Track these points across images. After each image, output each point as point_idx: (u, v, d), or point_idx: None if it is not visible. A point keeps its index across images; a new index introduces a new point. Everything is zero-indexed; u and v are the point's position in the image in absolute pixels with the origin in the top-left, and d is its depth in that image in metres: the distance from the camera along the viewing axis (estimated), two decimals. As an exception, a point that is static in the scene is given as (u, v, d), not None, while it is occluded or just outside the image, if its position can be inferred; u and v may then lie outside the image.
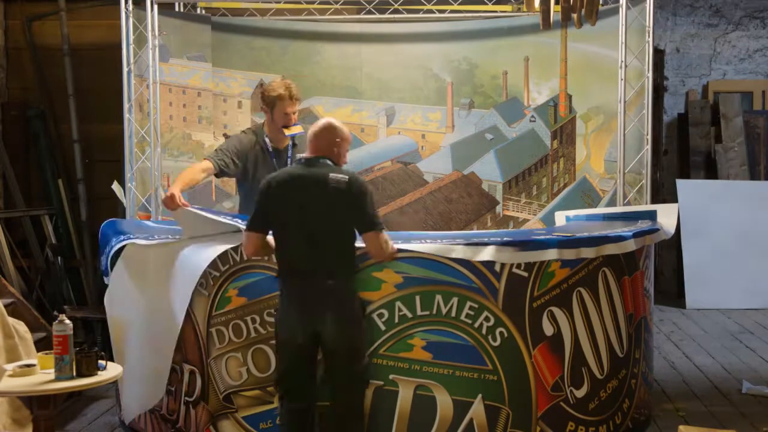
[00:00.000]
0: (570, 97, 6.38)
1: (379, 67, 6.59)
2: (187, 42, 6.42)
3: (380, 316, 4.10)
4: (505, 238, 4.18)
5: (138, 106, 6.14)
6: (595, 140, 6.32)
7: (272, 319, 4.17)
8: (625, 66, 5.59)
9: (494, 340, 4.13)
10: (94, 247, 7.28)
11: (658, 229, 4.79)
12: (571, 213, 5.55)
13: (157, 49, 5.99)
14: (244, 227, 3.87)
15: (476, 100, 6.53)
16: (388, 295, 4.07)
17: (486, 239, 4.16)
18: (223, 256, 4.25)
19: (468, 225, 6.49)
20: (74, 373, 3.57)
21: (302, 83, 6.57)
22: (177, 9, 6.54)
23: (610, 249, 4.30)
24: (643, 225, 4.82)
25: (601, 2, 5.46)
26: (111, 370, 3.71)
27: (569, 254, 4.16)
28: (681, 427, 4.11)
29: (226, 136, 6.50)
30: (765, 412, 5.10)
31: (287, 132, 4.76)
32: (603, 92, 6.11)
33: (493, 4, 6.52)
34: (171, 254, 4.34)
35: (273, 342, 4.17)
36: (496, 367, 4.14)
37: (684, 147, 9.22)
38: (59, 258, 7.07)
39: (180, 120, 6.42)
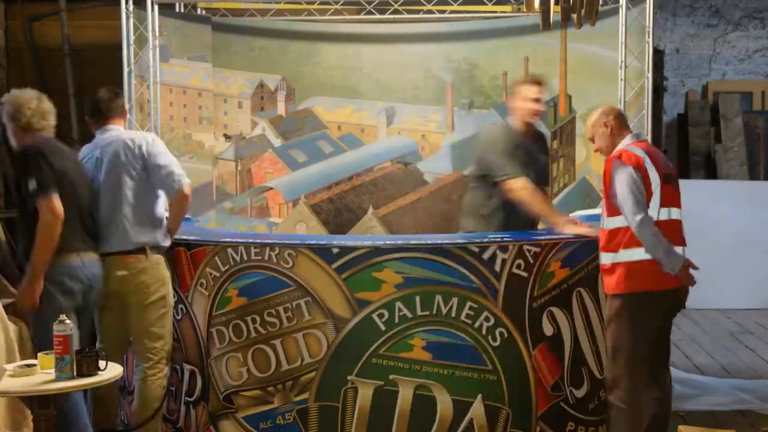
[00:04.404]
0: (570, 97, 6.39)
1: (379, 67, 6.59)
2: (187, 42, 6.43)
3: (380, 316, 4.10)
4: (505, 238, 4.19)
5: (138, 107, 6.14)
6: (595, 140, 6.32)
7: (273, 320, 4.19)
8: (625, 66, 5.60)
9: (494, 340, 4.14)
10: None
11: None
12: (572, 214, 5.55)
13: (157, 49, 5.99)
14: None
15: (476, 100, 6.54)
16: (388, 295, 4.07)
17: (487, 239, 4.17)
18: (223, 257, 4.26)
19: (468, 225, 6.49)
20: (74, 373, 3.57)
21: (302, 83, 6.59)
22: (177, 9, 6.54)
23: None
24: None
25: (600, 2, 5.46)
26: (111, 370, 3.71)
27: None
28: (681, 427, 4.11)
29: (226, 136, 6.50)
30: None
31: None
32: (603, 92, 6.11)
33: (493, 4, 6.52)
34: None
35: (273, 342, 4.18)
36: (495, 367, 4.14)
37: (684, 147, 9.22)
38: (59, 258, 7.05)
39: (180, 120, 6.43)
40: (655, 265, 3.80)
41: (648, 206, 3.81)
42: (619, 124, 4.02)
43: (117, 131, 4.28)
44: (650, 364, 3.94)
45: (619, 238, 3.85)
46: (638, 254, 3.81)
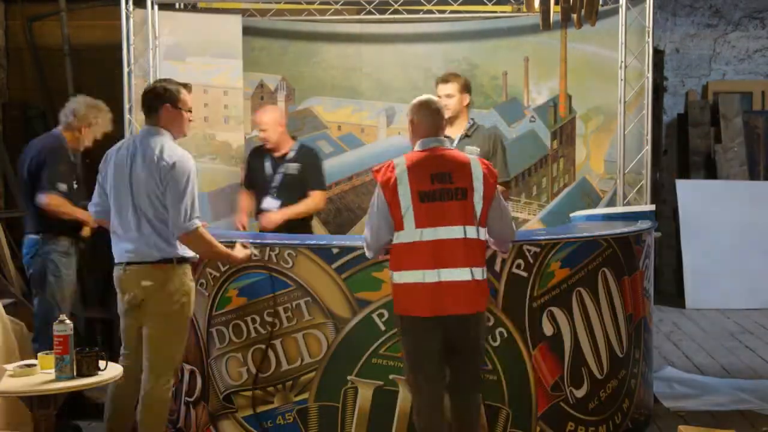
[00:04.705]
0: (570, 97, 6.38)
1: (379, 67, 6.58)
2: (211, 40, 6.24)
3: (380, 316, 4.10)
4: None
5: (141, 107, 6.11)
6: (595, 141, 6.32)
7: (272, 320, 4.19)
8: (625, 66, 5.59)
9: (494, 340, 4.14)
10: (95, 246, 7.26)
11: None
12: (572, 214, 5.55)
13: (158, 49, 5.97)
14: None
15: (476, 100, 6.52)
16: (388, 295, 4.07)
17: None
18: (223, 257, 4.26)
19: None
20: (74, 373, 3.57)
21: (302, 83, 6.58)
22: (177, 9, 6.52)
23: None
24: (643, 225, 4.83)
25: (600, 2, 5.46)
26: (111, 370, 3.71)
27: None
28: (681, 427, 4.11)
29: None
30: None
31: None
32: (603, 92, 6.10)
33: (493, 4, 6.52)
34: None
35: (273, 342, 4.18)
36: (495, 367, 4.15)
37: (684, 147, 9.22)
38: (60, 258, 7.04)
39: (200, 120, 6.25)
40: None
41: None
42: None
43: (163, 134, 4.02)
44: None
45: None
46: None
